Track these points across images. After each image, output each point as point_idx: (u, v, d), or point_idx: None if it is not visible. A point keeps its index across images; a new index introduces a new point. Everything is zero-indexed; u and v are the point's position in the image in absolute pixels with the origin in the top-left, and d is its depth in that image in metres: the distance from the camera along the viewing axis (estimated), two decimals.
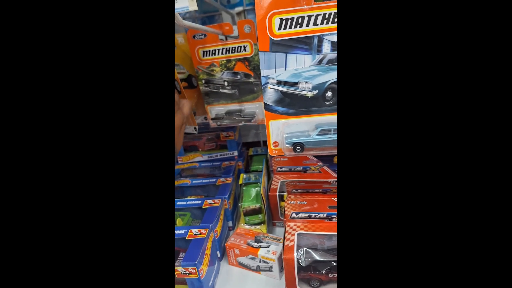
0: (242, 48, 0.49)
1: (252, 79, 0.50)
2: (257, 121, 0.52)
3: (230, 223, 0.57)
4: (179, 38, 0.55)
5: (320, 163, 0.59)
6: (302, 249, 0.39)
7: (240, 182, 0.57)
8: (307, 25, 0.30)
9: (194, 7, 0.26)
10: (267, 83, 0.34)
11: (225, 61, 0.50)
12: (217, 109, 0.53)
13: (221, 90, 0.52)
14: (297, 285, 0.40)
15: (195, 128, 0.55)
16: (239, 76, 0.51)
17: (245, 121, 0.52)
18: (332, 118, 0.33)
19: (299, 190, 0.52)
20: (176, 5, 0.26)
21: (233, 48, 0.49)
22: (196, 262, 0.39)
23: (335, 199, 0.46)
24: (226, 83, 0.52)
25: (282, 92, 0.34)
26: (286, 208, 0.47)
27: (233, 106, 0.53)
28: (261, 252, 0.44)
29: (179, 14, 0.29)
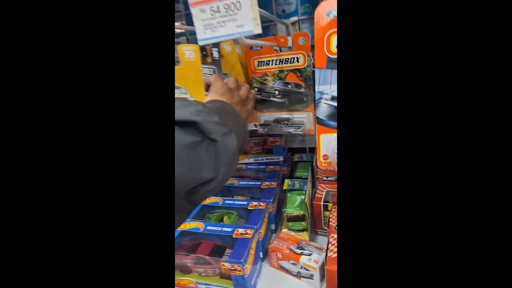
0: (296, 60, 0.50)
1: (302, 89, 0.51)
2: (304, 131, 0.53)
3: (273, 226, 0.59)
4: (236, 49, 0.59)
5: None
6: None
7: (285, 187, 0.59)
8: None
9: (259, 30, 0.29)
10: (321, 98, 0.35)
11: (277, 71, 0.52)
12: (267, 116, 0.55)
13: (271, 98, 0.54)
14: None
15: (255, 124, 0.58)
16: (290, 86, 0.52)
17: (293, 130, 0.53)
18: None
19: None
20: (243, 29, 0.29)
21: (287, 59, 0.51)
22: (241, 260, 0.42)
23: None
24: (277, 92, 0.54)
25: (335, 107, 0.35)
26: (330, 219, 0.47)
27: (282, 114, 0.55)
28: (303, 259, 0.45)
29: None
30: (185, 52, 0.46)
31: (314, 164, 0.68)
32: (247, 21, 0.28)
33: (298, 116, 0.53)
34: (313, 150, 0.77)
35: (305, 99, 0.51)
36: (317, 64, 0.34)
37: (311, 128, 0.52)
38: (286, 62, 0.51)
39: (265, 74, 0.53)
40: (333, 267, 0.39)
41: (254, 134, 0.72)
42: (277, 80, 0.52)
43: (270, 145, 0.72)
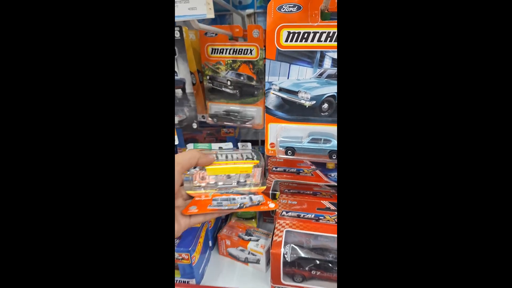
0: (249, 51, 0.50)
1: (254, 82, 0.51)
2: (253, 125, 0.53)
3: (223, 216, 0.59)
4: (190, 34, 0.57)
5: (313, 167, 0.61)
6: (289, 245, 0.42)
7: None
8: (312, 40, 0.33)
9: (211, 15, 0.29)
10: (270, 88, 0.37)
11: (231, 61, 0.52)
12: (217, 106, 0.55)
13: (223, 88, 0.54)
14: (282, 279, 0.43)
15: (203, 116, 0.57)
16: (242, 78, 0.52)
17: (240, 123, 0.53)
18: (326, 128, 0.36)
19: (291, 191, 0.55)
20: (195, 12, 0.29)
21: (240, 50, 0.51)
22: (189, 249, 0.41)
23: (324, 202, 0.49)
24: (229, 83, 0.53)
25: (283, 98, 0.37)
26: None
27: (233, 106, 0.55)
28: (251, 245, 0.47)
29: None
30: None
31: (265, 156, 0.70)
32: (200, 4, 0.28)
33: (248, 109, 0.53)
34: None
35: (256, 92, 0.51)
36: (268, 55, 0.35)
37: (260, 123, 0.52)
38: (240, 53, 0.51)
39: (218, 62, 0.53)
40: (277, 250, 0.42)
41: (207, 125, 0.72)
42: (230, 70, 0.52)
43: (224, 136, 0.72)
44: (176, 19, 0.30)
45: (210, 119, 0.54)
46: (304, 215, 0.48)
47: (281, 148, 0.37)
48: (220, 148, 0.43)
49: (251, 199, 0.34)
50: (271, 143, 0.39)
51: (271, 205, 0.34)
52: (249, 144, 0.44)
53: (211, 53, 0.53)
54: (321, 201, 0.48)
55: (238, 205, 0.33)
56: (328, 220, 0.45)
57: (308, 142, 0.36)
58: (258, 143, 0.81)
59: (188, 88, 0.52)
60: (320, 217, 0.46)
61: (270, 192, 0.56)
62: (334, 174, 0.59)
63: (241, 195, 0.35)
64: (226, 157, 0.39)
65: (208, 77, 0.54)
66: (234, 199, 0.34)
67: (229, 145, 0.44)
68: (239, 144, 0.45)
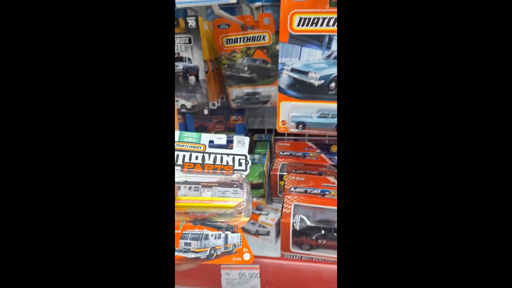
0: (262, 38, 0.55)
1: (269, 65, 0.56)
2: (273, 103, 0.59)
3: None
4: (204, 25, 0.61)
5: (318, 151, 0.65)
6: (297, 215, 0.46)
7: None
8: (321, 25, 0.37)
9: (233, 0, 0.33)
10: (283, 69, 0.41)
11: (245, 48, 0.57)
12: (237, 91, 0.60)
13: (241, 74, 0.59)
14: (291, 247, 0.47)
15: (213, 104, 0.61)
16: (257, 62, 0.57)
17: (262, 103, 0.59)
18: (333, 105, 0.40)
19: (298, 171, 0.59)
20: None
21: (253, 37, 0.56)
22: None
23: (329, 178, 0.52)
24: (246, 68, 0.58)
25: (294, 78, 0.41)
26: (286, 183, 0.54)
27: (252, 89, 0.60)
28: (261, 218, 0.51)
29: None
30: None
31: (272, 141, 0.74)
32: None
33: (267, 90, 0.59)
34: (271, 131, 0.83)
35: (272, 74, 0.56)
36: (281, 38, 0.39)
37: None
38: (253, 40, 0.55)
39: (234, 51, 0.57)
40: (287, 219, 0.46)
41: (216, 113, 0.75)
42: (246, 57, 0.56)
43: (233, 124, 0.76)
44: (201, 4, 0.34)
45: (234, 104, 0.60)
46: (311, 191, 0.51)
47: (293, 123, 0.41)
48: (211, 142, 0.36)
49: (226, 240, 0.29)
50: (283, 121, 0.43)
51: (246, 257, 0.29)
52: (247, 140, 0.37)
53: (226, 43, 0.57)
54: (327, 177, 0.52)
55: (208, 252, 0.28)
56: (333, 195, 0.49)
57: (318, 117, 0.40)
58: (265, 131, 0.85)
59: (201, 75, 0.56)
60: (326, 192, 0.50)
61: (278, 173, 0.60)
62: None
63: (217, 229, 0.29)
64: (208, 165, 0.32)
65: (225, 66, 0.58)
66: (206, 237, 0.29)
67: (223, 139, 0.36)
68: (235, 139, 0.38)
